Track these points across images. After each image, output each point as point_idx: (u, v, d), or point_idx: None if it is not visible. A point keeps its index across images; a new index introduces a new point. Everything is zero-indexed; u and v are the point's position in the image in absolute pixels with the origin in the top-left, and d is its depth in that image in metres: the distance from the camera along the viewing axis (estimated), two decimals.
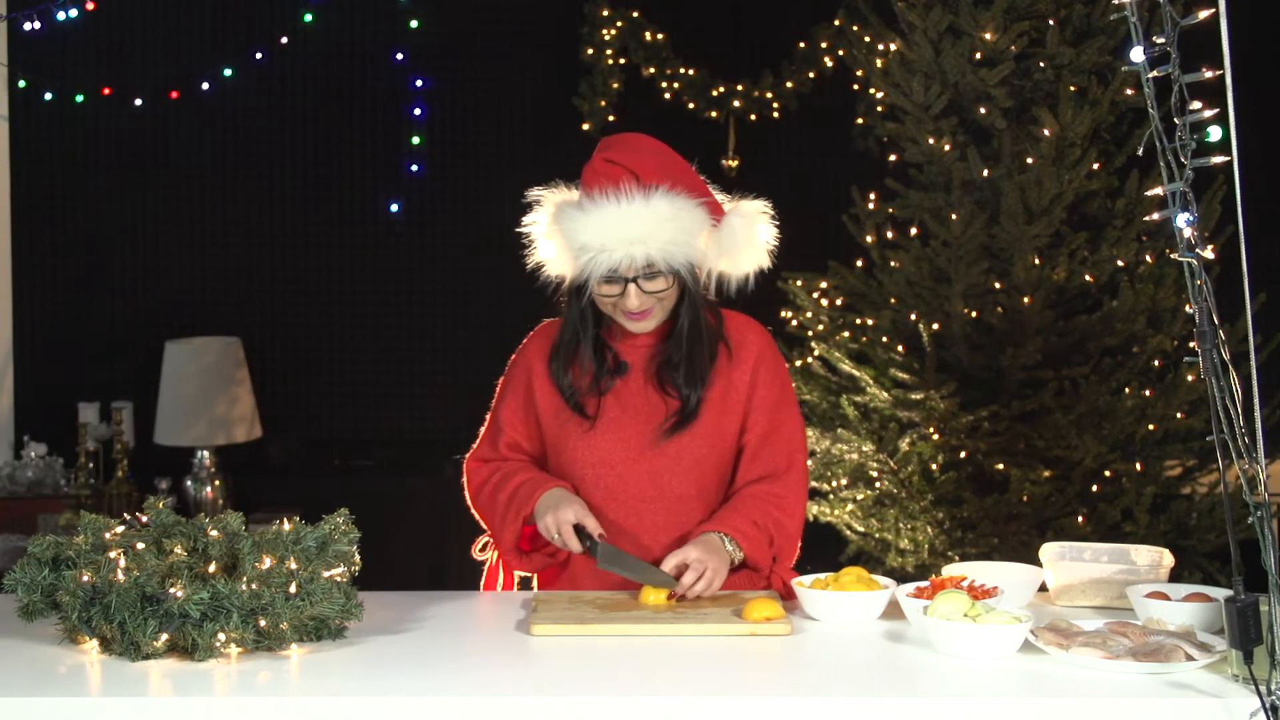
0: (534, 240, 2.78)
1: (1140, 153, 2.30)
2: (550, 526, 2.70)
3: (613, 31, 5.81)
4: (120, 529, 2.41)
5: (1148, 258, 4.37)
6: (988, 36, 4.24)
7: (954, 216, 4.36)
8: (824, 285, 4.71)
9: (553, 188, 2.80)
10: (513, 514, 2.77)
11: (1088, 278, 4.34)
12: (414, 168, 5.93)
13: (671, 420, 2.76)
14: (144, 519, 2.47)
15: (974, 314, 4.38)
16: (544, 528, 2.71)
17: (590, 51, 5.81)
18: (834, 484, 4.51)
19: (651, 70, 5.85)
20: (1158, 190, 2.21)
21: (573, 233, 2.68)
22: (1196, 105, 2.14)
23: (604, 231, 2.65)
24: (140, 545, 2.34)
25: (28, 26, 4.77)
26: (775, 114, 5.88)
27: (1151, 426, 4.29)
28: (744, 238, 2.76)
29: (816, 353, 4.61)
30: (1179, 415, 4.31)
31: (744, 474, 2.81)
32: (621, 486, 2.76)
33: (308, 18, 5.64)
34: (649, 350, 2.80)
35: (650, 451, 2.76)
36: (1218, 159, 2.14)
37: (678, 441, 2.75)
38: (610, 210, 2.64)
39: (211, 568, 2.32)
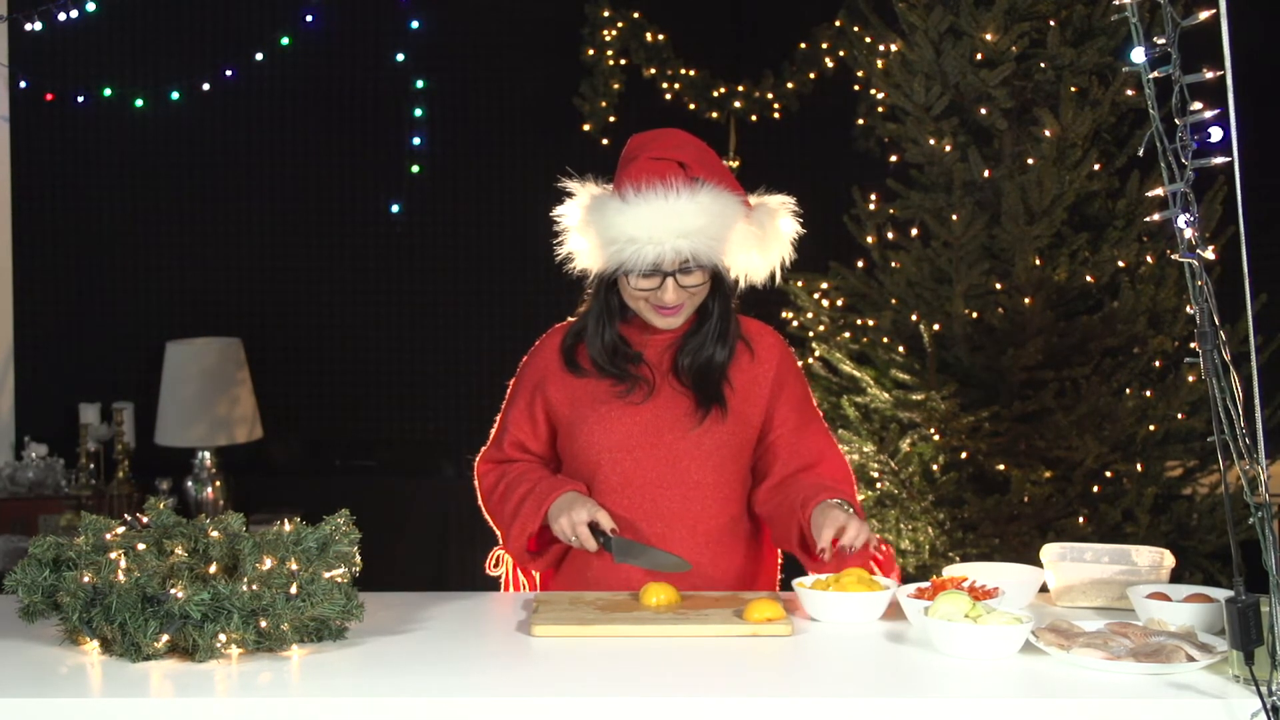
0: (565, 231, 2.77)
1: (1141, 153, 2.30)
2: (565, 529, 2.69)
3: (614, 32, 5.81)
4: (121, 530, 2.41)
5: (1149, 258, 4.37)
6: (988, 37, 4.23)
7: (955, 217, 4.35)
8: (825, 286, 4.71)
9: (584, 182, 2.79)
10: (521, 522, 2.77)
11: (1088, 278, 4.33)
12: (414, 168, 5.94)
13: (693, 406, 2.76)
14: (145, 520, 2.47)
15: (975, 315, 4.38)
16: (559, 531, 2.71)
17: (591, 52, 5.81)
18: None
19: (652, 71, 5.85)
20: (1158, 191, 2.21)
21: (617, 225, 2.66)
22: (1197, 106, 2.14)
23: (651, 224, 2.64)
24: (141, 546, 2.34)
25: (29, 26, 4.77)
26: (776, 115, 5.89)
27: (1152, 427, 4.29)
28: (771, 231, 2.79)
29: (817, 353, 4.62)
30: (1180, 416, 4.30)
31: (785, 465, 2.80)
32: (638, 471, 2.75)
33: (309, 17, 5.63)
34: (670, 344, 2.81)
35: (669, 436, 2.76)
36: (1218, 160, 2.13)
37: (698, 427, 2.75)
38: (658, 204, 2.64)
39: (212, 568, 2.32)
